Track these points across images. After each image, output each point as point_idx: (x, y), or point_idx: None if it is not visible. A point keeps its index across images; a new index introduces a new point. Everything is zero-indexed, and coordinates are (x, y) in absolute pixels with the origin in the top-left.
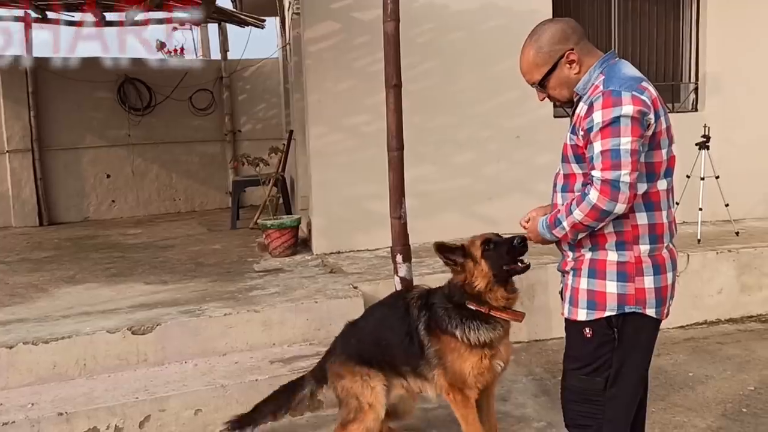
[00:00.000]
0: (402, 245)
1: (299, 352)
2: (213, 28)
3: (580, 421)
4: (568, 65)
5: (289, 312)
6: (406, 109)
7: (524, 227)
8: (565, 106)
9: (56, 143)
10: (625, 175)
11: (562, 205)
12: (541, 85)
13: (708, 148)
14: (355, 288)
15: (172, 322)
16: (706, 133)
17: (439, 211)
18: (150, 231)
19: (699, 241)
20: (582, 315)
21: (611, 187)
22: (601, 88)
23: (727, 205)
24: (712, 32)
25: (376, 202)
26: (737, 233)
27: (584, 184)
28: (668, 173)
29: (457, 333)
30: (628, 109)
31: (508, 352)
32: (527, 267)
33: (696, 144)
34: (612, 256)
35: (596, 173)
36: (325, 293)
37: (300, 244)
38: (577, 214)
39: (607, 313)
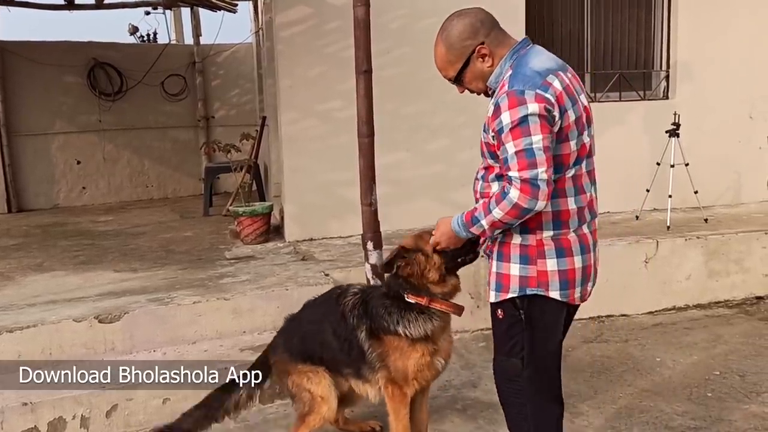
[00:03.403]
0: (373, 232)
1: (269, 339)
2: (185, 12)
3: (511, 399)
4: (480, 59)
5: (259, 299)
6: (379, 96)
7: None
8: (485, 95)
9: (25, 129)
10: (542, 173)
11: (481, 192)
12: (457, 79)
13: (678, 136)
14: (327, 275)
15: (141, 310)
16: (677, 121)
17: (412, 198)
18: (121, 218)
19: (668, 227)
20: (492, 297)
21: (531, 185)
22: (506, 87)
23: (696, 192)
24: (684, 20)
25: (348, 188)
26: (706, 220)
27: (498, 177)
28: (578, 161)
29: (399, 329)
30: (533, 107)
31: (448, 348)
32: (477, 255)
33: (666, 131)
34: (516, 239)
35: (514, 173)
36: (296, 281)
37: (272, 231)
38: (497, 213)
39: (510, 295)
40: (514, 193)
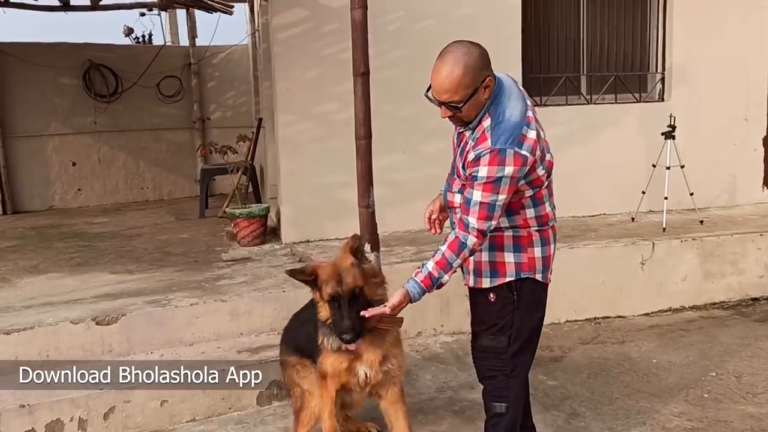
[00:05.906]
0: (370, 234)
1: (267, 341)
2: (181, 13)
3: (488, 374)
4: (483, 90)
5: (256, 301)
6: (376, 98)
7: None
8: (460, 124)
9: (20, 130)
10: (492, 225)
11: (460, 204)
12: (461, 104)
13: (674, 138)
14: None
15: (138, 312)
16: (672, 123)
17: (408, 200)
18: (117, 220)
19: (664, 229)
20: (486, 283)
21: (483, 235)
22: (489, 142)
23: (692, 194)
24: (679, 23)
25: (345, 190)
26: (701, 222)
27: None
28: (549, 175)
29: (319, 338)
30: (509, 170)
31: (375, 358)
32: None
33: (662, 133)
34: (508, 232)
35: (473, 222)
36: (293, 282)
37: (269, 233)
38: (457, 262)
39: (508, 279)
40: (471, 241)
